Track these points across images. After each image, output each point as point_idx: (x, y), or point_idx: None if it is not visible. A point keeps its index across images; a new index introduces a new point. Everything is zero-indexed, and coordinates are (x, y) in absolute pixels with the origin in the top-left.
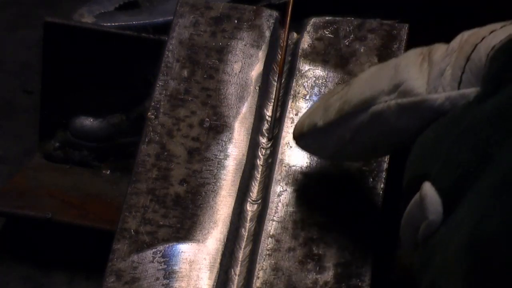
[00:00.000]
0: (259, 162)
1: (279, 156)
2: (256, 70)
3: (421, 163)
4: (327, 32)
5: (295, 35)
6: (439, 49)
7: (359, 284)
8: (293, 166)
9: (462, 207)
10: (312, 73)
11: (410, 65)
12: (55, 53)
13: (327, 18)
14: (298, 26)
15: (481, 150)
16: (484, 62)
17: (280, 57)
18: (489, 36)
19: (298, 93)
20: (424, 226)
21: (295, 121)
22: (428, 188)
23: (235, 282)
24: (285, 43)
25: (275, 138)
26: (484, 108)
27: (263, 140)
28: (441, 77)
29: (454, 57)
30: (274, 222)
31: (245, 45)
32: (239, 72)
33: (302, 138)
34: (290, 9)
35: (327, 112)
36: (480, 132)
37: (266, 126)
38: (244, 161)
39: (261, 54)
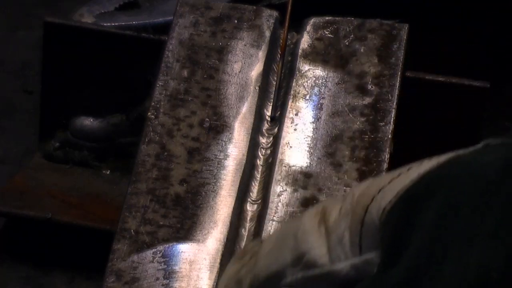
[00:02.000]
0: (259, 162)
1: (279, 156)
2: (256, 70)
3: None
4: (327, 32)
5: (295, 35)
6: (333, 211)
7: None
8: (293, 166)
9: None
10: (312, 73)
11: (308, 232)
12: (55, 53)
13: (327, 18)
14: (298, 26)
15: None
16: (378, 225)
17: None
18: (378, 196)
19: (298, 93)
20: None
21: (295, 121)
22: None
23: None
24: (284, 37)
25: (275, 138)
26: (388, 282)
27: (263, 140)
28: (340, 244)
29: (349, 221)
30: (274, 222)
31: (245, 45)
32: (239, 72)
33: None
34: (289, 10)
35: (240, 286)
36: None
37: (266, 126)
38: (244, 161)
39: (261, 54)
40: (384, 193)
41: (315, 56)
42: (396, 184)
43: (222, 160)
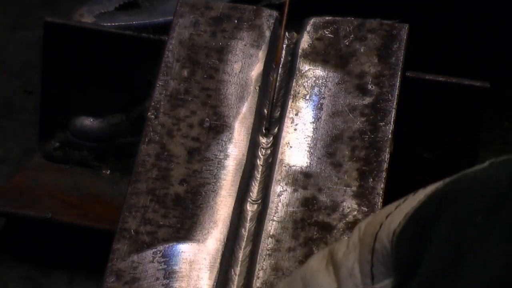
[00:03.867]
0: (259, 162)
1: (279, 156)
2: (256, 70)
3: None
4: (327, 32)
5: (295, 35)
6: (340, 248)
7: None
8: (293, 166)
9: None
10: (312, 73)
11: (316, 273)
12: (55, 53)
13: (327, 18)
14: (298, 26)
15: None
16: (390, 250)
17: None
18: (386, 222)
19: (298, 93)
20: None
21: (295, 121)
22: None
23: (235, 282)
24: (282, 33)
25: (275, 138)
26: None
27: (263, 140)
28: (351, 277)
29: (358, 252)
30: (274, 222)
31: (245, 45)
32: (239, 72)
33: None
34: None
35: None
36: None
37: (266, 126)
38: (244, 161)
39: (261, 54)
40: (392, 217)
41: (315, 56)
42: (404, 208)
43: (222, 160)
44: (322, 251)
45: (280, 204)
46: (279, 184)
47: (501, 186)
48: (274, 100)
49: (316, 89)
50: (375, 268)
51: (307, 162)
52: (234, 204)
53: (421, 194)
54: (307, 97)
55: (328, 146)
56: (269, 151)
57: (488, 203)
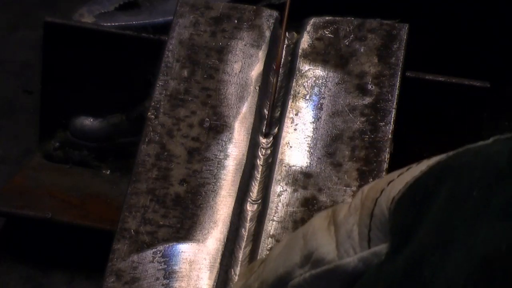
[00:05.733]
0: (259, 162)
1: (279, 156)
2: (256, 70)
3: None
4: (327, 32)
5: (295, 35)
6: (343, 209)
7: None
8: (293, 166)
9: None
10: (312, 73)
11: (317, 232)
12: (55, 53)
13: (327, 18)
14: (298, 26)
15: None
16: (387, 215)
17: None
18: (387, 188)
19: (298, 93)
20: None
21: (295, 121)
22: None
23: (235, 282)
24: (283, 34)
25: (275, 138)
26: (394, 267)
27: (263, 140)
28: (349, 239)
29: (358, 215)
30: (274, 222)
31: (245, 45)
32: (239, 72)
33: None
34: (287, 10)
35: None
36: None
37: (266, 126)
38: (244, 161)
39: (261, 54)
40: (393, 185)
41: (315, 56)
42: (406, 176)
43: (222, 160)
44: (326, 211)
45: (280, 204)
46: (279, 184)
47: (502, 162)
48: (274, 100)
49: (316, 89)
50: (372, 232)
51: (307, 162)
52: (234, 204)
53: (424, 165)
54: (307, 97)
55: (328, 146)
56: (269, 151)
57: (487, 179)
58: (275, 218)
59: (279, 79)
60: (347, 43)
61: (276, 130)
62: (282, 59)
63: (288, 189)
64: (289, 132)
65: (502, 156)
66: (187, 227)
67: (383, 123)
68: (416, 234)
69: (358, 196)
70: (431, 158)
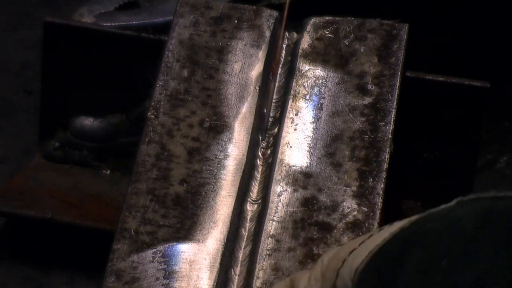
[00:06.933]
0: (259, 162)
1: (279, 156)
2: (256, 70)
3: None
4: (327, 32)
5: (295, 35)
6: (302, 280)
7: None
8: (293, 166)
9: None
10: (312, 73)
11: None
12: (55, 53)
13: (327, 18)
14: (298, 26)
15: None
16: (350, 287)
17: (279, 56)
18: (349, 258)
19: (298, 93)
20: None
21: (295, 121)
22: None
23: (235, 282)
24: (282, 33)
25: (275, 138)
26: None
27: (263, 140)
28: None
29: (319, 287)
30: (274, 222)
31: (245, 45)
32: (239, 72)
33: None
34: (286, 9)
35: None
36: None
37: (266, 126)
38: (244, 161)
39: (261, 54)
40: (356, 254)
41: (315, 56)
42: (368, 245)
43: (222, 160)
44: (284, 281)
45: (280, 204)
46: (279, 184)
47: (468, 228)
48: (274, 100)
49: (316, 89)
50: None
51: (307, 162)
52: (234, 204)
53: (386, 232)
54: (307, 97)
55: (328, 146)
56: (269, 151)
57: (455, 249)
58: (275, 218)
59: (278, 79)
60: (347, 43)
61: (276, 130)
62: (282, 59)
63: (288, 189)
64: (289, 132)
65: (467, 222)
66: (187, 227)
67: (383, 123)
68: None
69: (318, 267)
70: (393, 224)
